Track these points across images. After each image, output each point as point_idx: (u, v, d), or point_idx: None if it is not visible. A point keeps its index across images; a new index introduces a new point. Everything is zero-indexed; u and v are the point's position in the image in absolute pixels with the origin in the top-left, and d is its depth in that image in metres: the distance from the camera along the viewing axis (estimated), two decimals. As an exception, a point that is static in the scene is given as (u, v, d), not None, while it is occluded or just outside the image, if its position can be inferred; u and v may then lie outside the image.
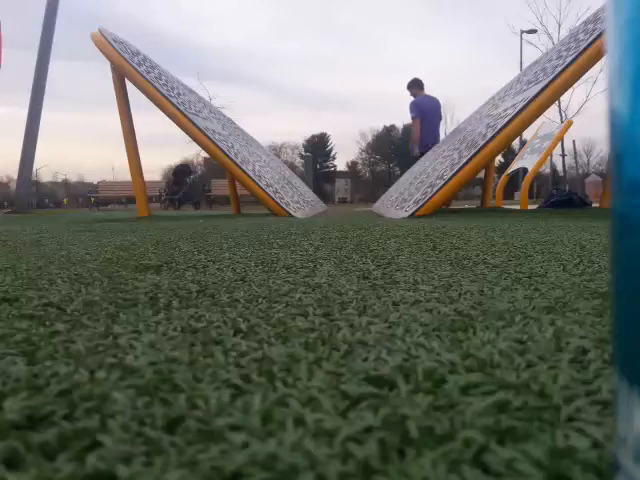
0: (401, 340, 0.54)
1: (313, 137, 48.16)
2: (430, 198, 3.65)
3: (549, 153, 8.25)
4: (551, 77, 3.67)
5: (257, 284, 0.90)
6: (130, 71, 4.75)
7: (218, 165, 4.92)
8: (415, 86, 6.79)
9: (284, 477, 0.28)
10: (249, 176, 4.49)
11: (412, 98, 6.75)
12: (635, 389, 0.21)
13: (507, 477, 0.28)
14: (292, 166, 33.27)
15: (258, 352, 0.50)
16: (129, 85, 5.05)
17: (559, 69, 3.66)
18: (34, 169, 10.80)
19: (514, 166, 9.19)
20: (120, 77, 5.08)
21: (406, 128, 47.16)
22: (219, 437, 0.33)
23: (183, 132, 4.75)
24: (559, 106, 21.24)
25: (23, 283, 0.92)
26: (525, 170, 8.67)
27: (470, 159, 3.69)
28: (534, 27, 21.81)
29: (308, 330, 0.59)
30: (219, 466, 0.29)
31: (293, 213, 4.35)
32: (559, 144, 13.12)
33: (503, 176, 9.33)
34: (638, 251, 0.21)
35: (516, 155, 10.23)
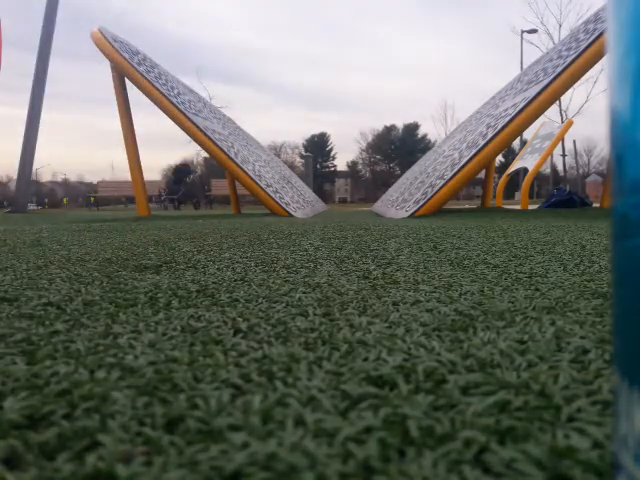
0: (401, 340, 0.54)
1: (313, 137, 48.15)
2: (430, 198, 3.65)
3: (550, 153, 8.25)
4: (552, 77, 3.67)
5: (257, 284, 0.90)
6: (130, 70, 4.75)
7: (218, 165, 4.92)
8: None
9: (284, 477, 0.28)
10: (249, 176, 4.49)
11: None
12: (635, 389, 0.21)
13: (507, 477, 0.28)
14: (292, 166, 33.25)
15: (258, 352, 0.50)
16: (129, 85, 5.05)
17: (560, 69, 3.66)
18: (34, 169, 10.80)
19: (515, 166, 9.19)
20: (120, 76, 5.08)
21: (406, 127, 47.16)
22: (219, 437, 0.33)
23: (183, 132, 4.76)
24: (560, 106, 21.22)
25: (23, 283, 0.92)
26: (526, 170, 8.67)
27: (471, 159, 3.69)
28: (534, 27, 21.81)
29: (308, 330, 0.59)
30: (219, 466, 0.29)
31: (293, 213, 4.35)
32: (559, 144, 13.12)
33: (503, 176, 9.33)
34: (638, 251, 0.21)
35: (516, 155, 10.23)
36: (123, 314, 0.68)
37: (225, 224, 2.81)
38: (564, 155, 21.49)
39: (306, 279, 0.95)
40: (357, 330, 0.58)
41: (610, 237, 1.58)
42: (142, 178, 5.35)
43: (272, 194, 4.46)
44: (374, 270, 1.05)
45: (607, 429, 0.32)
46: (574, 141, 13.52)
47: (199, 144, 4.71)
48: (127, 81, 5.05)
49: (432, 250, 1.39)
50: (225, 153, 4.56)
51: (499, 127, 3.73)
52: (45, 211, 12.93)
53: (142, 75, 4.70)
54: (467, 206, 10.07)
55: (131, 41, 5.51)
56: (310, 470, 0.29)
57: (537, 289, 0.83)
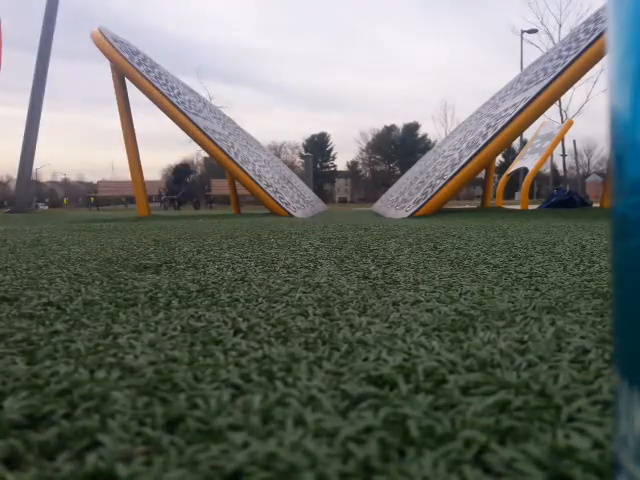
0: (401, 340, 0.54)
1: (313, 137, 48.14)
2: (430, 198, 3.65)
3: (550, 153, 8.26)
4: (552, 77, 3.68)
5: (257, 284, 0.90)
6: (130, 70, 4.75)
7: (218, 165, 4.92)
8: None
9: (284, 477, 0.28)
10: (249, 176, 4.49)
11: None
12: (635, 389, 0.21)
13: (508, 477, 0.28)
14: (292, 166, 33.24)
15: (258, 352, 0.50)
16: (129, 85, 5.05)
17: (560, 69, 3.66)
18: (34, 169, 10.81)
19: (515, 166, 9.20)
20: (120, 76, 5.08)
21: (406, 127, 47.18)
22: (219, 437, 0.33)
23: (183, 132, 4.76)
24: (560, 106, 21.24)
25: (23, 282, 0.92)
26: (526, 170, 8.68)
27: (471, 159, 3.69)
28: (534, 27, 21.82)
29: (308, 330, 0.59)
30: (219, 466, 0.29)
31: (293, 213, 4.35)
32: (559, 144, 13.13)
33: (503, 176, 9.34)
34: (638, 251, 0.21)
35: (516, 155, 10.24)
36: (123, 314, 0.68)
37: (225, 224, 2.81)
38: (564, 155, 21.50)
39: (306, 279, 0.95)
40: (357, 330, 0.58)
41: (610, 237, 1.58)
42: (142, 178, 5.35)
43: (272, 194, 4.46)
44: (374, 270, 1.05)
45: (607, 429, 0.32)
46: (574, 141, 13.53)
47: (199, 144, 4.71)
48: (127, 81, 5.05)
49: (432, 250, 1.39)
50: (225, 153, 4.56)
51: (499, 127, 3.73)
52: (45, 211, 12.94)
53: (142, 75, 4.70)
54: (467, 206, 10.08)
55: (131, 41, 5.51)
56: (310, 470, 0.29)
57: (537, 289, 0.83)
